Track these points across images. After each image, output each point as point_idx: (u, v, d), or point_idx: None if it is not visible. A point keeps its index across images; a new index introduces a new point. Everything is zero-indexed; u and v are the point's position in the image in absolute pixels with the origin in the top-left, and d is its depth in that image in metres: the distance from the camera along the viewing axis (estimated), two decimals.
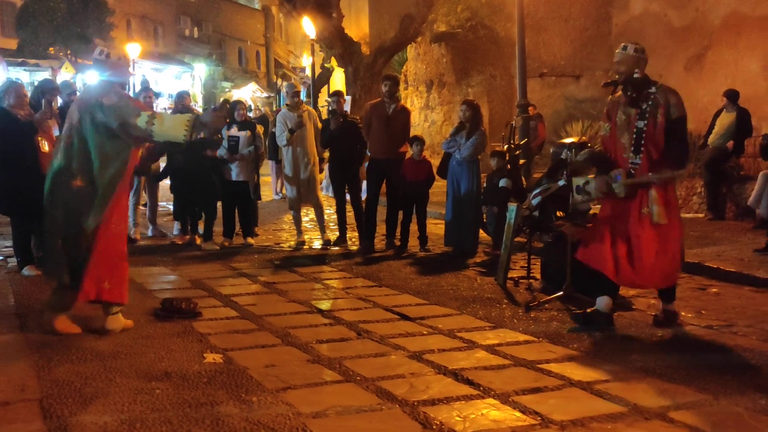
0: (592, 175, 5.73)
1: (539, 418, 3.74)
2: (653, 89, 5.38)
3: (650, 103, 5.35)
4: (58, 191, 5.22)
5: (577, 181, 5.84)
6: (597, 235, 5.56)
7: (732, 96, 10.63)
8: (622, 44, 5.56)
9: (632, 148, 5.39)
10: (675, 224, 5.42)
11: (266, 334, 5.34)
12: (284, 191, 15.19)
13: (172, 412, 3.80)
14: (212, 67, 36.24)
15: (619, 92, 5.56)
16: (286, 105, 9.61)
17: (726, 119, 10.66)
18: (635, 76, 5.41)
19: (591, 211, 8.62)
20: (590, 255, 5.56)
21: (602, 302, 5.53)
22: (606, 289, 5.54)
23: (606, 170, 5.51)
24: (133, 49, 27.45)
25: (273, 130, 14.64)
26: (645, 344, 5.11)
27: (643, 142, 5.34)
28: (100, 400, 3.97)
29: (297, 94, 9.59)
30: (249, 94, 38.17)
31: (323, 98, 23.00)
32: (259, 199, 9.79)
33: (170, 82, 32.20)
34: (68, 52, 26.16)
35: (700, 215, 10.73)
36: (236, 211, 9.42)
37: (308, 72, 30.61)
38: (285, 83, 12.09)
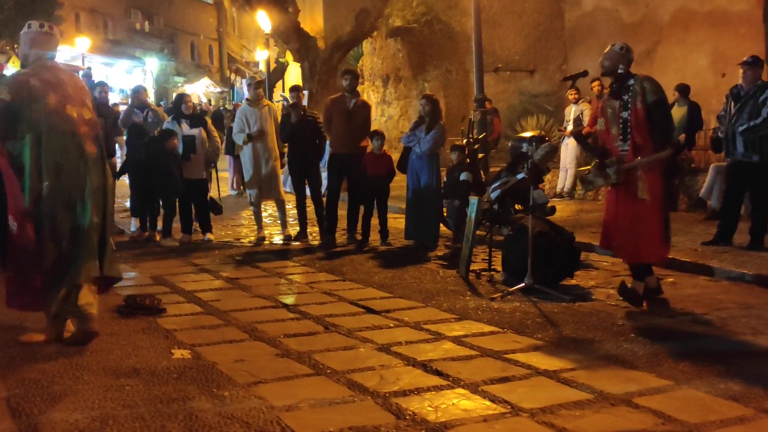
0: (591, 167, 6.33)
1: (509, 407, 3.82)
2: (631, 81, 5.87)
3: (630, 93, 5.85)
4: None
5: (581, 172, 6.31)
6: (607, 223, 6.16)
7: (683, 90, 10.88)
8: (612, 43, 6.07)
9: (620, 137, 5.92)
10: (656, 206, 5.86)
11: (233, 330, 5.33)
12: (242, 187, 15.13)
13: (144, 408, 3.78)
14: (164, 62, 35.76)
15: (608, 90, 6.11)
16: (247, 100, 9.55)
17: (677, 113, 10.89)
18: (619, 71, 5.91)
19: (549, 204, 8.80)
20: (608, 243, 6.17)
21: (638, 286, 6.04)
22: (640, 275, 6.06)
23: (604, 160, 6.01)
24: (82, 43, 26.97)
25: (231, 125, 14.56)
26: (607, 333, 5.22)
27: (629, 130, 5.85)
28: (69, 398, 3.93)
29: (260, 84, 9.53)
30: (202, 89, 37.78)
31: (278, 93, 22.87)
32: (219, 212, 9.68)
33: (121, 76, 31.69)
34: (15, 46, 25.53)
35: None
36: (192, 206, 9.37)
37: (262, 67, 30.41)
38: (245, 77, 11.99)
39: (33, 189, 4.77)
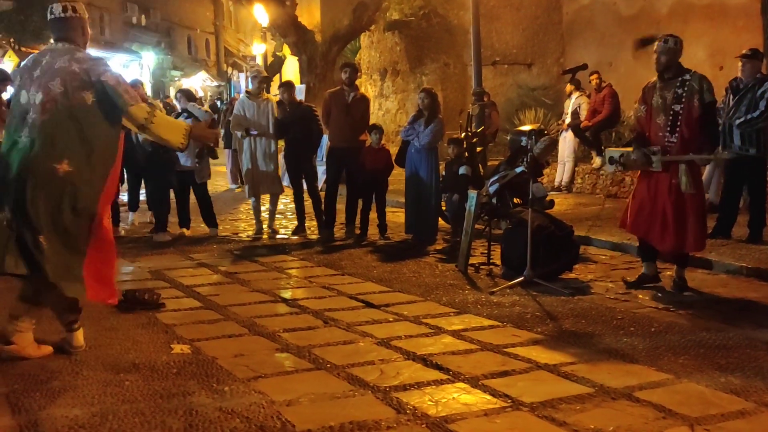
0: (629, 149, 6.38)
1: (510, 401, 3.82)
2: (688, 76, 6.00)
3: (686, 88, 5.96)
4: (34, 176, 4.38)
5: (612, 152, 6.51)
6: (639, 209, 6.26)
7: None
8: (663, 38, 6.13)
9: (668, 129, 6.03)
10: (701, 198, 6.20)
11: (232, 324, 5.32)
12: (239, 181, 15.09)
13: (144, 404, 3.77)
14: (161, 56, 35.64)
15: (655, 78, 6.21)
16: (247, 92, 9.54)
17: None
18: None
19: (547, 198, 8.79)
20: (636, 226, 6.32)
21: (648, 268, 6.37)
22: (648, 256, 6.38)
23: (644, 146, 6.12)
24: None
25: (229, 118, 14.52)
26: (606, 327, 5.22)
27: (678, 123, 5.98)
28: (69, 393, 3.92)
29: (265, 80, 9.50)
30: (199, 83, 37.69)
31: (275, 87, 22.82)
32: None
33: (118, 71, 31.59)
34: (11, 40, 25.45)
35: None
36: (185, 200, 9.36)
37: (259, 60, 30.34)
38: (250, 70, 11.92)
39: None
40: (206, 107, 9.81)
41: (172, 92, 34.74)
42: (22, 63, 4.91)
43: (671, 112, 6.00)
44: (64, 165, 4.41)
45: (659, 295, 6.15)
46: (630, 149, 6.32)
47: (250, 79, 9.68)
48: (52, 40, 4.86)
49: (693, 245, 6.17)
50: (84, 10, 4.87)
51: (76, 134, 4.47)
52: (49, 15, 4.75)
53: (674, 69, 6.05)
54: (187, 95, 9.67)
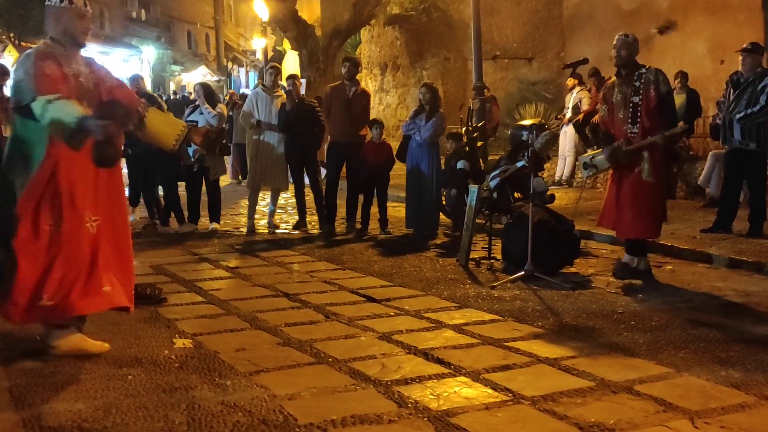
0: (598, 150, 6.71)
1: (510, 395, 3.83)
2: (644, 70, 6.31)
3: (643, 80, 6.26)
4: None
5: (583, 158, 6.87)
6: (606, 203, 6.55)
7: (684, 78, 10.89)
8: (622, 33, 6.46)
9: (629, 121, 6.31)
10: (660, 187, 6.40)
11: (234, 319, 5.34)
12: (239, 176, 15.09)
13: (147, 398, 3.79)
14: (161, 51, 35.59)
15: (613, 78, 6.54)
16: (262, 85, 9.53)
17: (677, 100, 10.87)
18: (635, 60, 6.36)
19: (548, 192, 8.79)
20: (606, 220, 6.58)
21: (641, 262, 6.47)
22: (642, 251, 6.50)
23: (609, 144, 6.41)
24: None
25: (230, 113, 14.52)
26: (607, 321, 5.24)
27: (639, 114, 6.26)
28: (72, 387, 3.93)
29: (279, 72, 9.47)
30: (199, 77, 37.57)
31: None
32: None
33: (118, 65, 31.54)
34: (11, 35, 25.42)
35: None
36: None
37: (259, 55, 30.29)
38: (266, 65, 11.88)
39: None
40: (222, 106, 9.58)
41: (171, 87, 34.72)
42: None
43: (631, 105, 6.29)
44: None
45: (659, 289, 6.17)
46: (599, 151, 6.62)
47: (266, 74, 9.64)
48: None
49: (646, 231, 6.41)
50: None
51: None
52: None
53: (631, 65, 6.35)
54: (206, 91, 9.32)
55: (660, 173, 6.34)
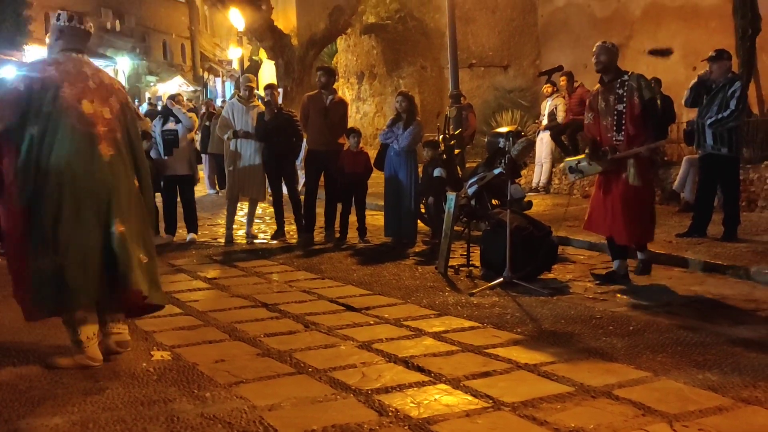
0: (582, 156, 6.75)
1: (491, 401, 3.84)
2: (626, 77, 6.35)
3: (626, 88, 6.30)
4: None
5: (569, 161, 6.87)
6: (593, 208, 6.60)
7: (658, 84, 10.99)
8: (601, 41, 6.57)
9: (614, 128, 6.36)
10: (646, 189, 6.50)
11: (213, 330, 5.30)
12: (216, 186, 15.03)
13: (125, 411, 3.75)
14: (136, 61, 35.42)
15: (598, 85, 6.56)
16: (238, 96, 9.52)
17: None
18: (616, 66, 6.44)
19: (525, 199, 8.84)
20: (593, 225, 6.65)
21: (617, 264, 6.59)
22: (617, 254, 6.60)
23: (596, 150, 6.45)
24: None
25: (206, 123, 14.45)
26: (585, 326, 5.27)
27: (623, 122, 6.31)
28: (49, 402, 3.88)
29: (252, 89, 9.45)
30: (175, 88, 37.39)
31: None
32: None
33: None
34: None
35: None
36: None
37: (235, 65, 30.17)
38: (241, 76, 11.90)
39: (23, 188, 4.30)
40: (192, 115, 9.78)
41: (147, 97, 34.51)
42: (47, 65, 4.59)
43: (615, 113, 6.34)
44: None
45: (636, 294, 6.21)
46: (584, 156, 6.66)
47: (242, 86, 9.69)
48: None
49: (642, 236, 6.54)
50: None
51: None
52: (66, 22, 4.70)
53: (613, 71, 6.40)
54: (172, 98, 9.74)
55: (646, 176, 6.45)
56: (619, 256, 6.64)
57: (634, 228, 6.40)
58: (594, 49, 6.49)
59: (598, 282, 6.60)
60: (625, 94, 6.29)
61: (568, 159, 7.23)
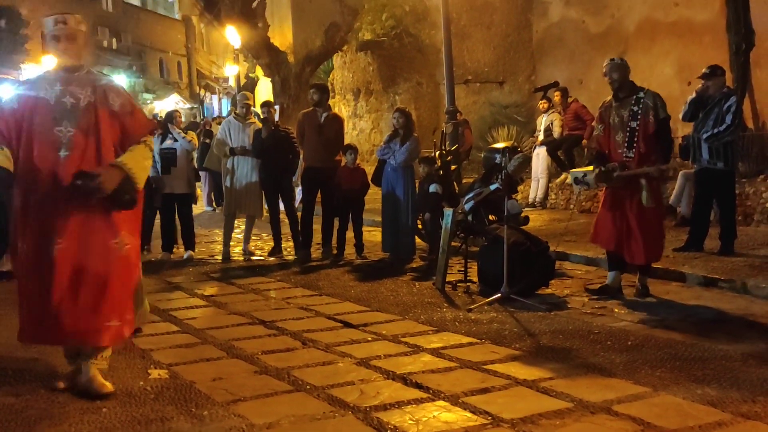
0: (590, 168, 6.70)
1: (490, 418, 3.82)
2: (642, 94, 6.32)
3: (641, 105, 6.27)
4: None
5: (575, 173, 6.85)
6: (604, 221, 6.54)
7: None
8: (610, 57, 6.57)
9: (626, 145, 6.32)
10: (661, 211, 6.59)
11: (210, 348, 5.28)
12: (213, 204, 15.03)
13: (122, 430, 3.73)
14: (133, 79, 35.48)
15: (610, 97, 6.52)
16: (235, 113, 9.55)
17: None
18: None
19: (522, 214, 8.85)
20: (600, 238, 6.63)
21: (612, 277, 6.61)
22: (615, 266, 6.62)
23: (603, 164, 6.39)
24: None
25: (205, 140, 14.47)
26: (583, 341, 5.26)
27: (636, 139, 6.27)
28: (45, 422, 3.86)
29: (248, 107, 9.48)
30: (171, 105, 37.47)
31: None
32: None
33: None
34: None
35: None
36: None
37: (231, 82, 30.27)
38: (238, 94, 11.95)
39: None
40: (192, 134, 9.79)
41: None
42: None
43: (628, 129, 6.29)
44: None
45: (634, 308, 6.21)
46: (591, 168, 6.62)
47: (238, 104, 9.73)
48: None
49: (656, 255, 6.58)
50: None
51: None
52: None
53: (628, 88, 6.37)
54: (168, 117, 9.69)
55: (659, 197, 6.50)
56: (617, 267, 6.66)
57: (650, 248, 6.41)
58: (604, 68, 6.45)
59: (592, 297, 6.60)
60: (640, 111, 6.25)
61: (573, 170, 7.23)
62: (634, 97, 6.31)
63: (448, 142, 10.87)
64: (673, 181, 10.37)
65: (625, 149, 6.31)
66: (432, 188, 8.89)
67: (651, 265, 6.69)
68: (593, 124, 6.86)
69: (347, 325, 5.84)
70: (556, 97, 12.52)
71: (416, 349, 5.14)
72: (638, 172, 6.27)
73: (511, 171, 6.92)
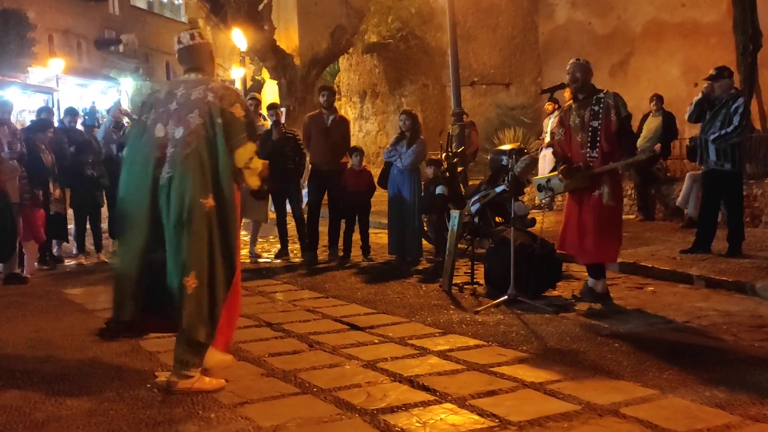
0: (553, 173, 6.59)
1: (497, 420, 3.81)
2: (602, 94, 6.28)
3: (602, 105, 6.21)
4: (182, 212, 4.31)
5: (538, 180, 6.68)
6: (568, 228, 6.43)
7: (659, 100, 11.04)
8: (575, 58, 6.54)
9: (589, 145, 6.25)
10: (620, 210, 6.43)
11: None
12: None
13: None
14: (139, 82, 35.58)
15: (570, 101, 6.50)
16: None
17: (653, 123, 11.04)
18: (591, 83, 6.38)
19: (529, 216, 8.83)
20: (565, 244, 6.48)
21: (598, 284, 6.40)
22: (599, 273, 6.44)
23: (569, 168, 6.28)
24: (56, 64, 26.75)
25: None
26: (591, 344, 5.24)
27: (598, 138, 6.21)
28: (53, 424, 3.87)
29: (256, 108, 9.48)
30: None
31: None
32: None
33: (96, 97, 31.52)
34: None
35: (631, 216, 11.06)
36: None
37: (238, 84, 30.31)
38: (248, 96, 11.98)
39: None
40: None
41: None
42: (149, 93, 4.66)
43: (590, 129, 6.24)
44: (210, 200, 4.38)
45: (641, 310, 6.19)
46: (555, 173, 6.54)
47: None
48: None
49: (611, 255, 6.42)
50: (209, 36, 4.75)
51: (215, 167, 4.39)
52: (176, 45, 4.63)
53: (588, 89, 6.34)
54: None
55: (620, 196, 6.39)
56: (601, 275, 6.45)
57: (602, 246, 6.24)
58: (568, 67, 6.40)
59: (575, 300, 6.52)
60: (601, 110, 6.19)
61: (536, 177, 7.07)
62: (594, 97, 6.26)
63: (454, 144, 10.85)
64: (680, 182, 10.36)
65: (588, 149, 6.23)
66: (438, 190, 8.89)
67: (605, 267, 6.49)
68: (554, 129, 6.71)
69: (354, 327, 5.84)
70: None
71: (423, 351, 5.13)
72: (606, 169, 6.12)
73: (517, 173, 6.92)
